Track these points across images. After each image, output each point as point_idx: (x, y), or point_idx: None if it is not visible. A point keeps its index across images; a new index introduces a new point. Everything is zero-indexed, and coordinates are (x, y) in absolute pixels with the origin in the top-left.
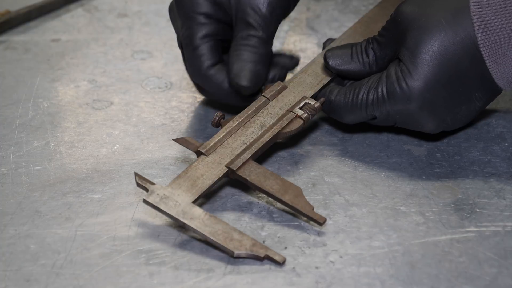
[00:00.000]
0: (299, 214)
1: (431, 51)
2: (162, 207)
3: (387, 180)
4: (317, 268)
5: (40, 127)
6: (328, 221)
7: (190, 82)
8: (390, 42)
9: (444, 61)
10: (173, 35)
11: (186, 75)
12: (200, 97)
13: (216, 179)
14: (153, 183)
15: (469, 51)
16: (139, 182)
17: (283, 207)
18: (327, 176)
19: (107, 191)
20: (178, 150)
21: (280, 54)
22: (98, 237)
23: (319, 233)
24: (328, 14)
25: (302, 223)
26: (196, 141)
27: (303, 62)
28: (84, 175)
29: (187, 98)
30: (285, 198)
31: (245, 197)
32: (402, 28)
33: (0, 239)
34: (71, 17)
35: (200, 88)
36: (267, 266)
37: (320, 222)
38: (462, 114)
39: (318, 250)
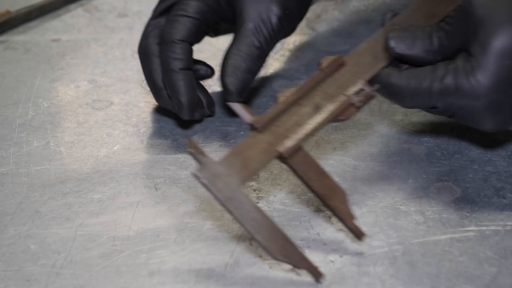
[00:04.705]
0: (339, 220)
1: (506, 49)
2: (212, 188)
3: (387, 179)
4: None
5: (40, 127)
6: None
7: None
8: (458, 32)
9: None
10: None
11: None
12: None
13: (267, 164)
14: (206, 157)
15: None
16: (193, 152)
17: (282, 207)
18: None
19: (107, 191)
20: (178, 150)
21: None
22: (98, 237)
23: (319, 233)
24: (328, 14)
25: (302, 222)
26: (251, 111)
27: (303, 62)
28: (84, 175)
29: None
30: (329, 203)
31: None
32: (473, 20)
33: (0, 239)
34: (71, 17)
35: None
36: (267, 265)
37: (359, 236)
38: None
39: (318, 249)
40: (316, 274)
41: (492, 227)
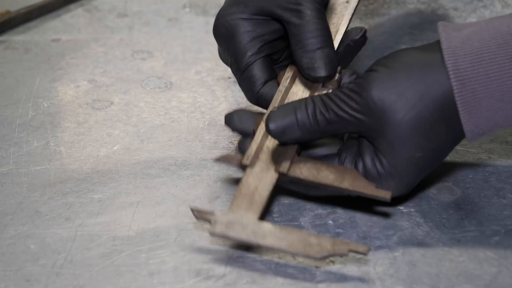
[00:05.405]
0: (363, 196)
1: (415, 150)
2: (231, 234)
3: None
4: (317, 267)
5: (40, 127)
6: (328, 221)
7: (190, 82)
8: (361, 125)
9: (423, 153)
10: (173, 35)
11: (186, 75)
12: (200, 97)
13: (271, 188)
14: (212, 213)
15: (445, 112)
16: (198, 216)
17: (282, 207)
18: None
19: (107, 191)
20: (178, 150)
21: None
22: (98, 237)
23: (319, 233)
24: None
25: (302, 223)
26: (236, 155)
27: None
28: (84, 175)
29: (187, 98)
30: (345, 185)
31: None
32: (376, 118)
33: (0, 239)
34: (71, 17)
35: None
36: (267, 265)
37: (387, 197)
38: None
39: None
40: (361, 249)
41: (492, 227)
